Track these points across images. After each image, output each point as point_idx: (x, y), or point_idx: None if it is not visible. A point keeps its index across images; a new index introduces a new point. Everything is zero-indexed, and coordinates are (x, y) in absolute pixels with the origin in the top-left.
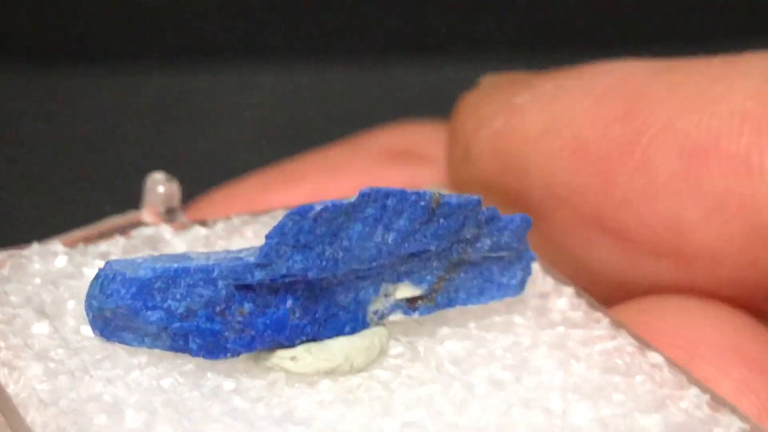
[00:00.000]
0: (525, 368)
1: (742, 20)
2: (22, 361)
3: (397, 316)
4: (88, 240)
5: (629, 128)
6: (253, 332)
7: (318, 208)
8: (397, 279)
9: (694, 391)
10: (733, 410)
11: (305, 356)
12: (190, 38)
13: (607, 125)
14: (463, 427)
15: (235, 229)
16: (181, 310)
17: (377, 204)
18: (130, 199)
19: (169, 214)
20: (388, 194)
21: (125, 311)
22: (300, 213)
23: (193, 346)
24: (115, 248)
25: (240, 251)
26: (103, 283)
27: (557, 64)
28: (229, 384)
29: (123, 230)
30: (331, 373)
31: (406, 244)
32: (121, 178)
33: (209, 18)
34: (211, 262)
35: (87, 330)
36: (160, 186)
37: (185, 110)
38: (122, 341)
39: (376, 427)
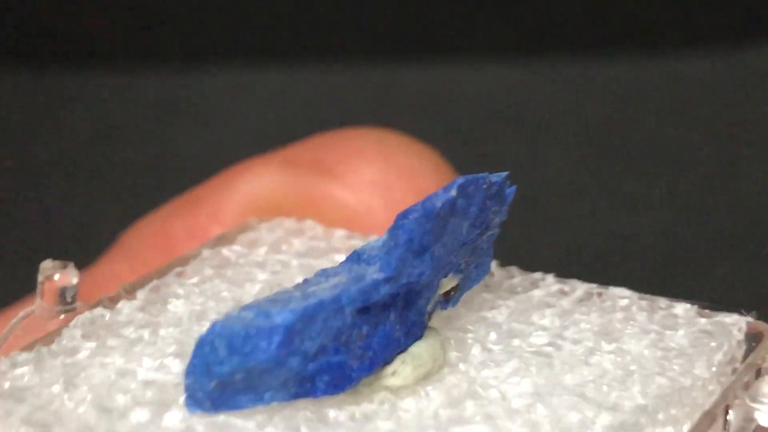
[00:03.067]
0: (546, 328)
1: (740, 21)
2: None
3: (435, 313)
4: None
5: None
6: (371, 354)
7: (438, 205)
8: (447, 272)
9: (681, 306)
10: (719, 308)
11: (403, 368)
12: (191, 38)
13: None
14: (573, 383)
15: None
16: (314, 348)
17: (464, 193)
18: (130, 199)
19: (70, 304)
20: (469, 182)
21: (267, 365)
22: (426, 215)
23: (320, 384)
24: (74, 341)
25: (332, 273)
26: (233, 343)
27: (557, 65)
28: (358, 414)
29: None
30: (423, 378)
31: (471, 232)
32: (121, 178)
33: (209, 18)
34: (336, 291)
35: (168, 419)
36: (57, 274)
37: (185, 110)
38: (234, 407)
39: (529, 397)
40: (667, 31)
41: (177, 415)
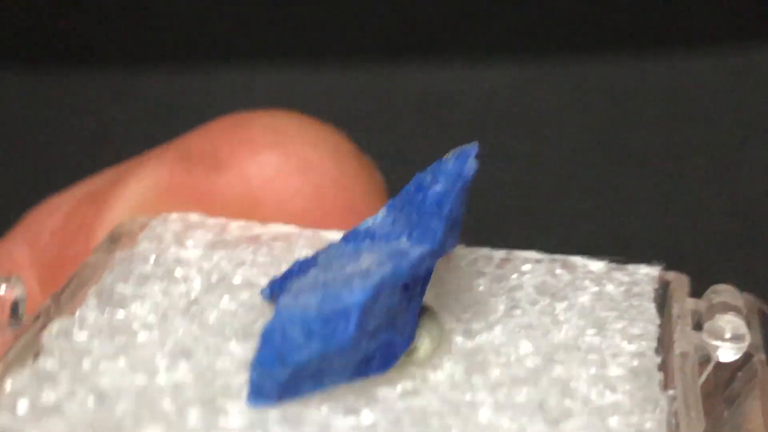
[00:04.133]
0: (493, 294)
1: (740, 21)
2: None
3: None
4: None
5: None
6: (408, 330)
7: (471, 175)
8: None
9: (593, 264)
10: (626, 261)
11: (422, 342)
12: (191, 38)
13: None
14: (564, 339)
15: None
16: (372, 327)
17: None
18: None
19: (19, 319)
20: (477, 150)
21: (344, 347)
22: (464, 186)
23: (373, 364)
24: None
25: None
26: (310, 328)
27: (557, 65)
28: (400, 389)
29: None
30: (434, 351)
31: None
32: None
33: (209, 18)
34: (387, 268)
35: (232, 417)
36: (2, 285)
37: (185, 110)
38: (296, 394)
39: (537, 357)
40: (667, 31)
41: (237, 411)
